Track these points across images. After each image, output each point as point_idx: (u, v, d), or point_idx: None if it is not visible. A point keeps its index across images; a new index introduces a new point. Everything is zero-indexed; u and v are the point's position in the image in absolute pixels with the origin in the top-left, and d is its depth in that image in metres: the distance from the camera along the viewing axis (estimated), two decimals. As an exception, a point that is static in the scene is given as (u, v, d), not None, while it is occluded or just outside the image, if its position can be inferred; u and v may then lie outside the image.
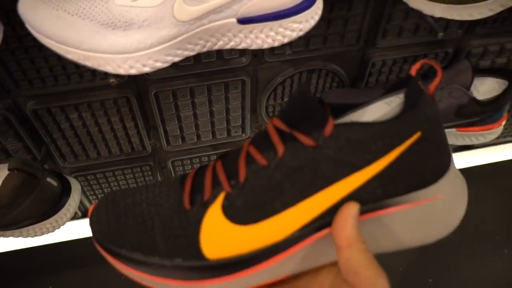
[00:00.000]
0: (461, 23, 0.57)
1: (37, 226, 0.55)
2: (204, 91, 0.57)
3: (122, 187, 0.74)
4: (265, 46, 0.39)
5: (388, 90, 0.32)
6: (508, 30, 0.60)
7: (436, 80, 0.29)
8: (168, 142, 0.66)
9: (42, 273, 0.83)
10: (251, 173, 0.27)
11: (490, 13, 0.41)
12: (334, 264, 0.28)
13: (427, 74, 0.58)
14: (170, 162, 0.71)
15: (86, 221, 0.80)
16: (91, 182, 0.71)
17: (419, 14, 0.47)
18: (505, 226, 0.88)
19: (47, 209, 0.55)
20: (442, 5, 0.42)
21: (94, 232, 0.30)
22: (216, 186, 0.28)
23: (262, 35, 0.38)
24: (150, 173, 0.72)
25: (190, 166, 0.73)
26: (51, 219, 0.56)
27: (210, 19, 0.36)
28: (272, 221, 0.27)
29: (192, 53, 0.39)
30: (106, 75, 0.52)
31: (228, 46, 0.39)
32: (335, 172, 0.26)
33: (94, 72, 0.52)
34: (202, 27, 0.37)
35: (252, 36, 0.38)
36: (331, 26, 0.53)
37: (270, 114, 0.65)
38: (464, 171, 0.31)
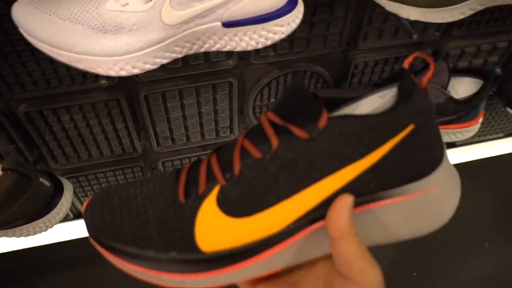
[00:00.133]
0: (439, 25, 0.59)
1: (30, 225, 0.55)
2: (192, 93, 0.58)
3: (113, 188, 0.74)
4: (249, 48, 0.40)
5: (381, 84, 0.32)
6: (484, 32, 0.62)
7: (429, 73, 0.29)
8: (158, 143, 0.67)
9: (35, 274, 0.83)
10: (245, 166, 0.27)
11: (461, 16, 0.43)
12: (329, 257, 0.28)
13: (416, 71, 0.59)
14: (160, 163, 0.71)
15: (77, 222, 0.80)
16: (83, 183, 0.71)
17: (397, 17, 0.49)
18: (486, 220, 0.91)
19: (40, 208, 0.56)
20: (417, 8, 0.44)
21: (89, 227, 0.29)
22: (211, 180, 0.28)
23: (246, 38, 0.39)
24: (141, 174, 0.72)
25: (180, 167, 0.73)
26: (44, 219, 0.56)
27: (196, 23, 0.38)
28: (267, 214, 0.27)
29: (179, 55, 0.40)
30: (97, 77, 0.53)
31: (214, 48, 0.41)
32: (329, 165, 0.26)
33: (85, 75, 0.52)
34: (189, 31, 0.38)
35: (236, 38, 0.39)
36: (314, 29, 0.54)
37: (257, 115, 0.66)
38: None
